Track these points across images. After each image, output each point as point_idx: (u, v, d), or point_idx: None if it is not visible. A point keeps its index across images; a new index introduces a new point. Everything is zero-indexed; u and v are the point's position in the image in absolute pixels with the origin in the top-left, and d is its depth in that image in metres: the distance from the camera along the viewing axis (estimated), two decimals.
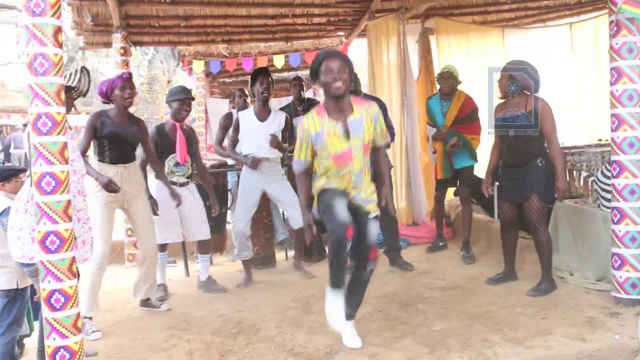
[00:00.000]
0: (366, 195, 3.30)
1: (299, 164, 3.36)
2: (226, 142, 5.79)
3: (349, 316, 3.36)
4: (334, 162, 3.23)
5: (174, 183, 4.64)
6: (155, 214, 4.47)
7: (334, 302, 3.25)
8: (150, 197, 4.53)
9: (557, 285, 4.14)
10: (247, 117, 4.87)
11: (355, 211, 3.28)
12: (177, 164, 4.64)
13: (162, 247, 4.78)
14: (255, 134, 4.79)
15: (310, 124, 3.25)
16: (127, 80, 4.16)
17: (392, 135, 5.25)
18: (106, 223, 4.02)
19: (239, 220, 4.85)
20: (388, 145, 3.52)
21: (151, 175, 4.69)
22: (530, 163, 4.13)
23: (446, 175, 5.50)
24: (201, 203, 4.83)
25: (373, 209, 3.31)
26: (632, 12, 3.44)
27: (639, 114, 3.58)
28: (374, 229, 3.28)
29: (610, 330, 3.30)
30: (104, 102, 4.23)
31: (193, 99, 4.92)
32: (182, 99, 4.64)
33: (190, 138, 4.78)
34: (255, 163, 4.73)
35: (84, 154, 4.04)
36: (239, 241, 4.90)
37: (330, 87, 3.17)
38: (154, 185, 4.66)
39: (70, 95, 3.48)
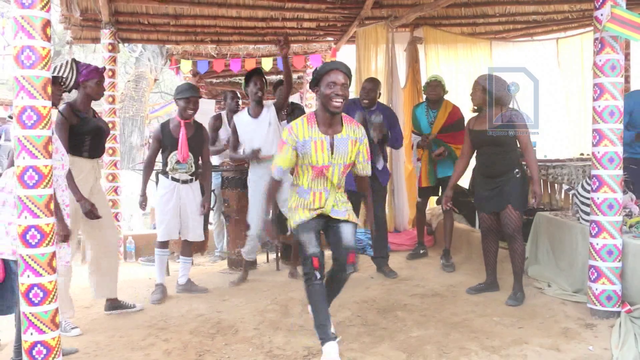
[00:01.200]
0: (339, 210, 3.31)
1: (279, 171, 3.33)
2: (216, 145, 5.93)
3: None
4: (313, 171, 3.25)
5: (176, 180, 4.63)
6: (142, 208, 4.73)
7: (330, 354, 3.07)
8: (142, 195, 4.67)
9: (531, 294, 4.20)
10: (242, 119, 4.96)
11: (328, 221, 3.31)
12: (179, 162, 4.62)
13: (164, 244, 4.73)
14: (252, 132, 4.87)
15: (299, 129, 3.23)
16: (102, 75, 4.11)
17: (400, 143, 5.40)
18: (73, 221, 3.88)
19: (254, 223, 4.87)
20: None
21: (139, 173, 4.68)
22: (507, 174, 4.19)
23: (431, 183, 5.54)
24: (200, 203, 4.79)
25: (346, 218, 3.31)
26: (616, 30, 3.52)
27: (619, 130, 3.65)
28: (348, 231, 3.27)
29: (584, 342, 3.36)
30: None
31: (200, 96, 4.92)
32: (188, 97, 4.60)
33: (197, 135, 4.70)
34: (255, 153, 4.77)
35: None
36: (252, 243, 5.00)
37: (330, 101, 3.14)
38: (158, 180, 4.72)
39: (59, 87, 3.44)
